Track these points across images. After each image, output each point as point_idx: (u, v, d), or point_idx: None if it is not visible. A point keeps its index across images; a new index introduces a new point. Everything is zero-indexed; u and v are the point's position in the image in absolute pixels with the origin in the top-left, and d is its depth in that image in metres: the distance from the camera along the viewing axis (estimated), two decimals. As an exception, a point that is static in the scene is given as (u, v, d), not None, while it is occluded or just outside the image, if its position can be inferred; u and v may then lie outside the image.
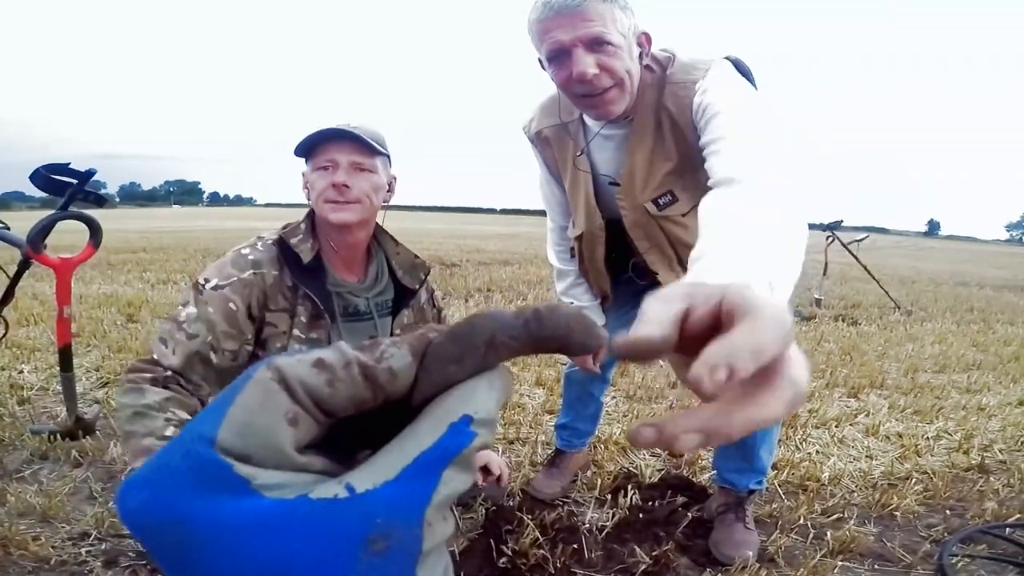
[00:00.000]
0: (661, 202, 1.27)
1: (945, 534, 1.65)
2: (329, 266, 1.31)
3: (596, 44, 1.04)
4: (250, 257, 1.22)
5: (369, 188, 1.24)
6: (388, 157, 1.29)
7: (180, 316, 1.19)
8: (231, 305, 1.19)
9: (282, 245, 1.25)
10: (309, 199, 1.29)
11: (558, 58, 1.07)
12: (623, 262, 1.43)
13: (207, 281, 1.20)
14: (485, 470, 1.59)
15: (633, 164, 1.25)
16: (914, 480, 1.96)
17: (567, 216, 1.50)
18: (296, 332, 1.25)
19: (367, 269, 1.38)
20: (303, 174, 1.30)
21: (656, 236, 1.31)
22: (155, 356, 1.16)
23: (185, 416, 1.14)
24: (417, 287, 1.43)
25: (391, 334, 1.42)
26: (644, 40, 1.13)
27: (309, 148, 1.24)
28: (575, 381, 1.81)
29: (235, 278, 1.20)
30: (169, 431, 1.09)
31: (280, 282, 1.23)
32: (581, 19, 1.02)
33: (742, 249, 0.61)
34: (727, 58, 1.18)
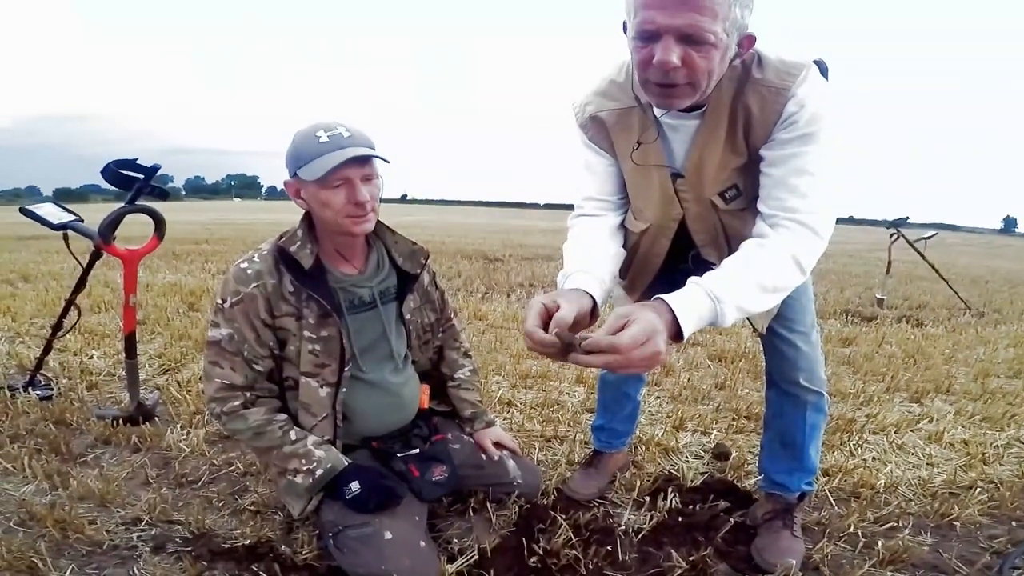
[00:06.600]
0: (728, 195, 1.25)
1: (1008, 546, 1.56)
2: (329, 265, 1.39)
3: (691, 39, 0.96)
4: (249, 271, 1.31)
5: (377, 193, 1.32)
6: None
7: (217, 339, 1.32)
8: (251, 317, 1.31)
9: (281, 253, 1.33)
10: (310, 208, 1.32)
11: (646, 37, 0.99)
12: (676, 255, 1.37)
13: (224, 301, 1.31)
14: (499, 446, 1.62)
15: (702, 157, 1.20)
16: (979, 489, 1.84)
17: (609, 191, 1.36)
18: (306, 333, 1.34)
19: (367, 260, 1.46)
20: (291, 185, 1.31)
21: (715, 228, 1.30)
22: (225, 382, 1.32)
23: (284, 416, 1.37)
24: (418, 271, 1.51)
25: (400, 318, 1.50)
26: (746, 43, 1.04)
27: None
28: (610, 382, 1.77)
29: (243, 292, 1.30)
30: (292, 434, 1.34)
31: (280, 288, 1.32)
32: (690, 7, 0.93)
33: (729, 280, 1.00)
34: (814, 61, 1.13)
